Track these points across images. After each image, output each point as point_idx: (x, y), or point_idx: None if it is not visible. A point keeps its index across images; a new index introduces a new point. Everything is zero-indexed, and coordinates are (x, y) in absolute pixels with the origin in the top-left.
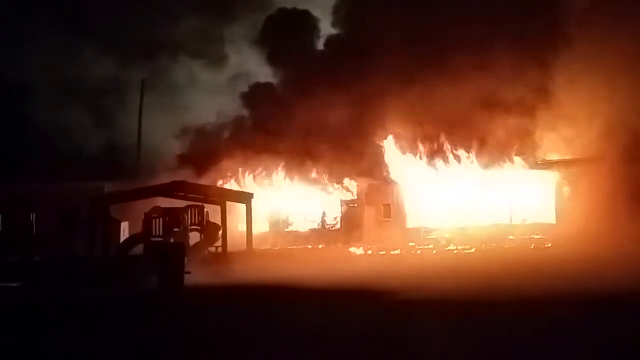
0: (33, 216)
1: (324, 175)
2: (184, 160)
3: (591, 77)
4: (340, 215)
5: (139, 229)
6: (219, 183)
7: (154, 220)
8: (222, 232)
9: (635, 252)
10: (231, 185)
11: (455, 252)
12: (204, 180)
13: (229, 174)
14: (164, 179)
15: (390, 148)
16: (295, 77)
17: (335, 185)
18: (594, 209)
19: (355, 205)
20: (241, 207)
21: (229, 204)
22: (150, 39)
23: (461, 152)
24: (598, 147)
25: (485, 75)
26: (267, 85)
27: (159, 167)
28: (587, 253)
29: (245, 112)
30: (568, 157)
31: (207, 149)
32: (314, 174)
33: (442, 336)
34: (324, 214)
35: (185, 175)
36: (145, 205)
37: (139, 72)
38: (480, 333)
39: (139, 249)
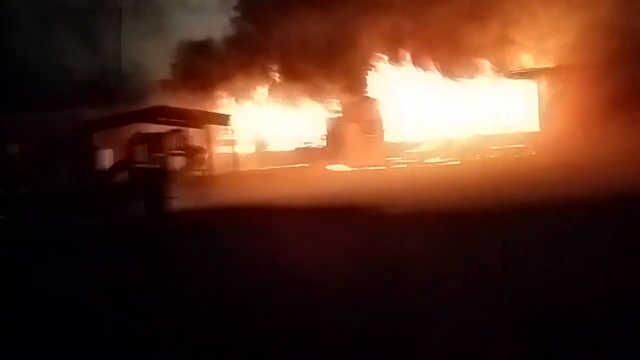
0: (16, 147)
1: (306, 94)
2: (167, 84)
3: None
4: (324, 133)
5: (122, 156)
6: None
7: (137, 147)
8: (207, 155)
9: (618, 157)
10: (215, 107)
11: (439, 164)
12: (187, 104)
13: (212, 96)
14: (148, 104)
15: (370, 64)
16: None
17: (319, 103)
18: (576, 116)
19: (339, 122)
20: (223, 130)
21: (213, 126)
22: None
23: (442, 64)
24: (578, 54)
25: None
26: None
27: (142, 93)
28: (570, 160)
29: (226, 32)
30: (550, 65)
31: (189, 72)
32: (296, 93)
33: (431, 248)
34: (308, 133)
35: (170, 99)
36: (127, 132)
37: None
38: (470, 243)
39: (123, 175)
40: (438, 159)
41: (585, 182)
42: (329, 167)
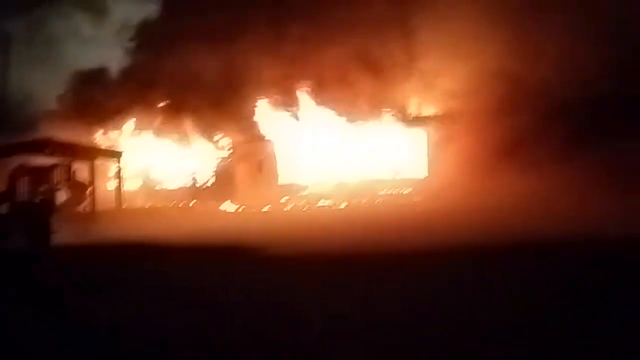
0: None
1: (196, 132)
2: (55, 115)
3: (459, 34)
4: (213, 172)
5: (3, 188)
6: (90, 139)
7: (19, 179)
8: (91, 191)
9: (501, 205)
10: (104, 141)
11: (327, 207)
12: (75, 137)
13: (101, 129)
14: (34, 135)
15: (262, 104)
16: (166, 28)
17: (208, 142)
18: (461, 163)
19: (228, 161)
20: (111, 165)
21: (98, 161)
22: None
23: (334, 108)
24: (465, 101)
25: (356, 31)
26: (143, 35)
27: (28, 123)
28: (453, 206)
29: (118, 64)
30: (438, 112)
31: (78, 103)
32: (187, 130)
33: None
34: (195, 172)
35: (57, 131)
36: (10, 164)
37: (15, 24)
38: (351, 285)
39: (3, 208)
40: (329, 202)
41: (466, 228)
42: (222, 206)
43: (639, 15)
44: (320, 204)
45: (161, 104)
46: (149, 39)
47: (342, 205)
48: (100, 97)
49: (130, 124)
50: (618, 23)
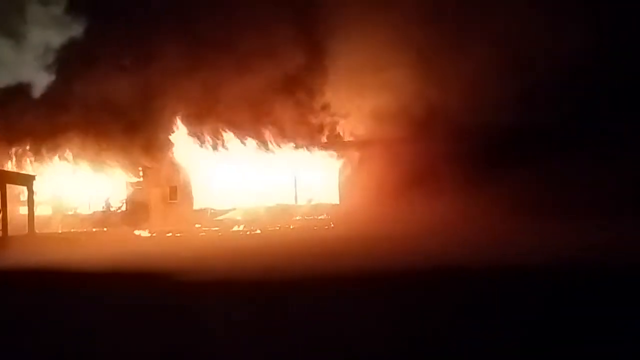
0: None
1: (109, 157)
2: None
3: (373, 62)
4: (125, 197)
5: None
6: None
7: None
8: (2, 215)
9: (410, 231)
10: (12, 166)
11: (240, 233)
12: None
13: (9, 153)
14: None
15: (176, 130)
16: (83, 53)
17: (121, 167)
18: (373, 190)
19: (141, 187)
20: (22, 190)
21: (9, 186)
22: None
23: (246, 135)
24: (379, 129)
25: (270, 58)
26: (59, 59)
27: None
28: (363, 233)
29: (34, 89)
30: (351, 138)
31: None
32: (99, 155)
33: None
34: (108, 197)
35: None
36: None
37: None
38: (260, 311)
39: None
40: (242, 227)
41: (375, 253)
42: (136, 232)
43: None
44: (234, 229)
45: (75, 129)
46: (65, 63)
47: (257, 231)
48: (14, 121)
49: (43, 148)
50: (523, 56)
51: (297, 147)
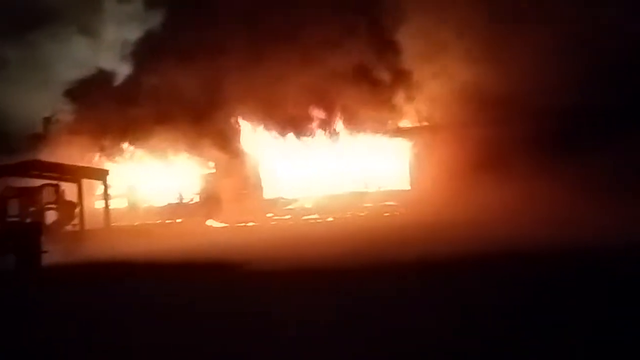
0: None
1: (180, 150)
2: (42, 137)
3: (440, 45)
4: (198, 189)
5: None
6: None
7: (8, 200)
8: (79, 210)
9: (481, 216)
10: (90, 161)
11: (312, 221)
12: (61, 158)
13: (88, 149)
14: (21, 157)
15: (246, 121)
16: (154, 47)
17: (193, 159)
18: (444, 175)
19: (213, 178)
20: (98, 184)
21: (85, 181)
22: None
23: (315, 123)
24: (449, 114)
25: (336, 48)
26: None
27: (15, 145)
28: (435, 219)
29: (107, 85)
30: (420, 124)
31: (66, 124)
32: (171, 148)
33: (298, 305)
34: (181, 189)
35: (44, 152)
36: (0, 185)
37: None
38: (336, 301)
39: None
40: (314, 216)
41: (448, 239)
42: (208, 222)
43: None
44: (305, 217)
45: (148, 122)
46: (137, 58)
47: (328, 219)
48: (89, 115)
49: (117, 142)
50: (591, 36)
51: (367, 133)
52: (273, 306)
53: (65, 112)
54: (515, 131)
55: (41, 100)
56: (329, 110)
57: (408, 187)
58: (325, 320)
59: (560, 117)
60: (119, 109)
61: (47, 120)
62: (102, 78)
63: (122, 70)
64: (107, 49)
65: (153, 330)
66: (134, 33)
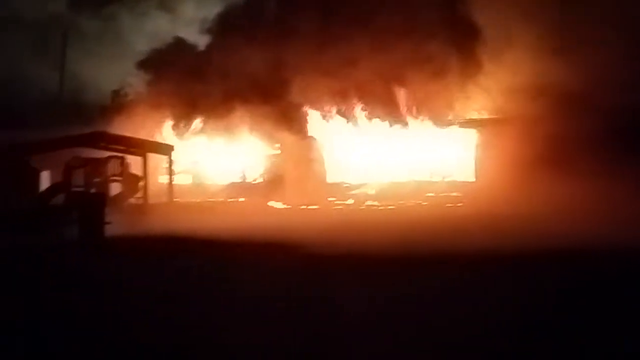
0: None
1: (247, 129)
2: (108, 110)
3: (512, 35)
4: (262, 169)
5: (59, 178)
6: (144, 133)
7: (74, 171)
8: (143, 184)
9: (547, 211)
10: (153, 136)
11: (374, 208)
12: (126, 132)
13: (154, 123)
14: (86, 129)
15: (312, 105)
16: (226, 25)
17: (259, 139)
18: (511, 168)
19: (277, 160)
20: (163, 159)
21: (150, 155)
22: None
23: (382, 110)
24: (517, 106)
25: (408, 35)
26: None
27: (82, 117)
28: (497, 212)
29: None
30: (487, 115)
31: (133, 98)
32: (237, 128)
33: (354, 290)
34: (245, 169)
35: (112, 125)
36: (66, 155)
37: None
38: (393, 288)
39: (60, 198)
40: (376, 203)
41: (509, 233)
42: (270, 203)
43: None
44: (367, 204)
45: (215, 100)
46: (211, 35)
47: (390, 206)
48: (158, 91)
49: (184, 117)
50: None
51: (434, 122)
52: (326, 290)
53: (135, 85)
54: (584, 128)
55: (115, 73)
56: (398, 97)
57: (472, 179)
58: (382, 308)
59: (630, 116)
60: (189, 85)
61: (116, 93)
62: (175, 52)
63: (196, 46)
64: (184, 24)
65: (210, 306)
66: (212, 10)
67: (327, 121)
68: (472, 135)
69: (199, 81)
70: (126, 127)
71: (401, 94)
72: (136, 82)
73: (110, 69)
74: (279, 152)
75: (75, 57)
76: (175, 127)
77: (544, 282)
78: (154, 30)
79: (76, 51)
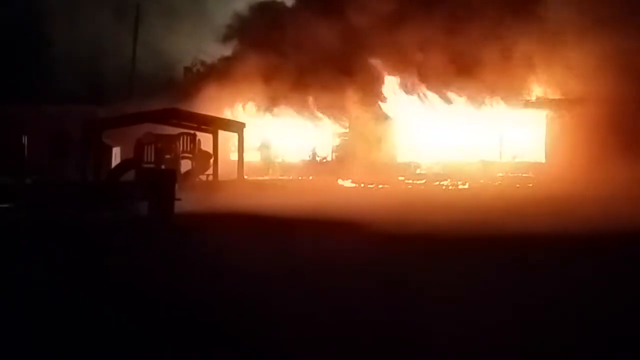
0: (25, 139)
1: (320, 107)
2: (178, 87)
3: (585, 16)
4: (332, 147)
5: (130, 154)
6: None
7: (146, 147)
8: (214, 161)
9: (616, 194)
10: (224, 114)
11: (444, 187)
12: (196, 108)
13: (225, 102)
14: (157, 105)
15: (384, 83)
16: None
17: (330, 117)
18: (581, 150)
19: (347, 138)
20: (233, 136)
21: (221, 132)
22: None
23: (453, 90)
24: (589, 88)
25: (476, 16)
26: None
27: (152, 94)
28: (567, 193)
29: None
30: (559, 96)
31: (201, 76)
32: (307, 106)
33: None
34: (315, 147)
35: (182, 102)
36: (138, 131)
37: None
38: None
39: (130, 174)
40: (446, 182)
41: (580, 216)
42: (339, 181)
43: None
44: (437, 183)
45: (286, 77)
46: (277, 11)
47: (460, 186)
48: (228, 68)
49: (255, 95)
50: None
51: (504, 103)
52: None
53: (208, 62)
54: None
55: (191, 49)
56: (468, 76)
57: (542, 160)
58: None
59: None
60: (260, 62)
61: (188, 70)
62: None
63: (261, 24)
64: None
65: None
66: None
67: (400, 100)
68: (542, 116)
69: (271, 58)
70: (197, 103)
71: (472, 74)
72: (209, 59)
73: (184, 45)
74: (348, 130)
75: (149, 31)
76: (247, 104)
77: (623, 264)
78: (234, 7)
79: (150, 26)
